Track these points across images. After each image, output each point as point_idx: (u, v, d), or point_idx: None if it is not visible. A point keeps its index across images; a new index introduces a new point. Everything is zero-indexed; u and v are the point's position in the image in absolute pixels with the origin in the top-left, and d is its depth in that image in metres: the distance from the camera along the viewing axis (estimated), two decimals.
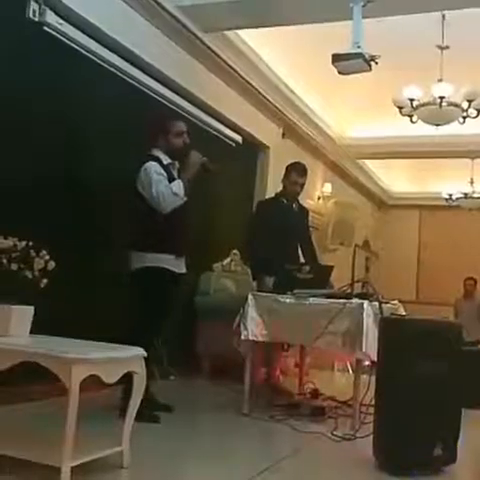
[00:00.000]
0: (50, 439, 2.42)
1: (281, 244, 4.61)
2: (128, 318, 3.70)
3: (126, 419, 2.62)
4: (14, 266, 2.57)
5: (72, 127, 4.19)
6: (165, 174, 3.61)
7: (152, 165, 3.60)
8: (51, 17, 3.78)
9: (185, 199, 3.63)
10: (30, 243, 2.65)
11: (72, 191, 4.17)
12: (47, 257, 2.68)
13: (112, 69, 4.47)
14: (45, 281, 2.65)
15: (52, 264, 2.68)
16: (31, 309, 2.62)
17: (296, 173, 4.80)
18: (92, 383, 2.36)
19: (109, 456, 2.54)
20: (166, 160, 3.71)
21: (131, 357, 2.58)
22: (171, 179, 3.63)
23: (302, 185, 4.85)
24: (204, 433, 3.56)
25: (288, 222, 4.76)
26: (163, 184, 3.55)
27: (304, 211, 5.12)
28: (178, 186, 3.58)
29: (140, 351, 2.61)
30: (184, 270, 3.84)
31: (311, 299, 3.91)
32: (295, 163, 4.90)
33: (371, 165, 10.51)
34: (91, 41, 4.17)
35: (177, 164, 3.77)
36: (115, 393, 3.26)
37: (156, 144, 3.74)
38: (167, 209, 3.57)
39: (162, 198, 3.54)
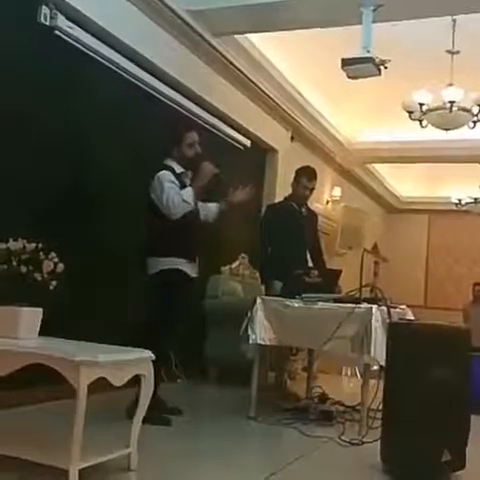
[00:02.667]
0: (58, 441, 2.43)
1: (290, 248, 4.60)
2: (143, 321, 3.71)
3: (134, 421, 2.62)
4: (23, 268, 2.59)
5: (84, 130, 4.21)
6: (177, 182, 3.73)
7: (165, 174, 3.72)
8: (62, 21, 3.81)
9: (194, 207, 3.75)
10: (39, 245, 2.66)
11: (82, 194, 4.18)
12: (56, 259, 2.69)
13: (123, 73, 4.49)
14: (54, 283, 2.66)
15: (61, 266, 2.69)
16: (40, 311, 2.63)
17: (306, 178, 4.79)
18: (100, 385, 2.37)
19: (117, 458, 2.54)
20: (179, 169, 3.82)
21: (139, 360, 2.59)
22: (183, 187, 3.74)
23: (312, 189, 4.85)
24: (211, 436, 3.55)
25: (297, 226, 4.75)
26: (174, 191, 3.67)
27: (313, 215, 5.11)
28: (188, 194, 3.70)
29: (148, 354, 2.61)
30: (196, 274, 3.94)
31: (320, 303, 3.91)
32: (305, 167, 4.90)
33: (380, 169, 10.49)
34: (102, 45, 4.20)
35: (190, 173, 3.86)
36: (123, 395, 3.26)
37: (170, 154, 3.85)
38: (177, 215, 3.69)
39: (172, 204, 3.65)
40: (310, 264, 4.85)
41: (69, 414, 2.30)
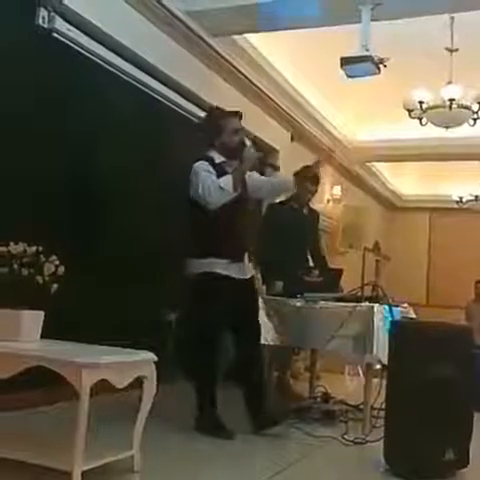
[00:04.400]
0: (61, 443, 2.43)
1: (291, 249, 4.60)
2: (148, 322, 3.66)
3: (137, 423, 2.62)
4: (24, 271, 2.59)
5: (85, 131, 4.21)
6: (214, 171, 3.48)
7: (200, 164, 3.50)
8: (60, 24, 3.81)
9: (235, 194, 3.45)
10: (40, 248, 2.66)
11: (84, 195, 4.18)
12: (57, 262, 2.69)
13: (122, 75, 4.50)
14: (55, 286, 2.66)
15: (62, 269, 2.69)
16: (41, 314, 2.63)
17: (310, 182, 4.75)
18: (103, 387, 2.37)
19: (120, 460, 2.54)
20: (219, 159, 3.58)
21: (141, 361, 2.59)
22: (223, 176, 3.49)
23: (314, 192, 4.83)
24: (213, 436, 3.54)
25: (298, 227, 4.75)
26: (210, 179, 3.43)
27: (314, 214, 5.11)
28: (226, 181, 3.43)
29: (150, 355, 2.61)
30: (247, 275, 3.63)
31: (321, 302, 3.91)
32: (309, 171, 4.81)
33: (381, 168, 10.48)
34: (100, 47, 4.20)
35: (235, 163, 3.56)
36: (126, 397, 3.26)
37: (211, 144, 3.62)
38: (215, 204, 3.42)
39: (207, 193, 3.39)
40: (311, 264, 4.85)
41: (72, 416, 2.29)
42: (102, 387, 2.36)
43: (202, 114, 5.38)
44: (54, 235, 3.40)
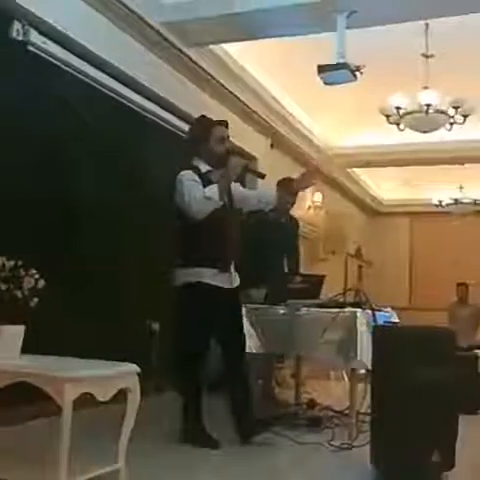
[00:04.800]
0: (45, 459, 2.39)
1: (267, 258, 4.58)
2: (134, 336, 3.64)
3: (121, 436, 2.59)
4: (3, 286, 2.56)
5: (60, 145, 4.19)
6: (200, 181, 3.47)
7: (185, 173, 3.48)
8: (35, 36, 3.79)
9: (221, 203, 3.46)
10: (19, 262, 2.64)
11: (64, 207, 4.16)
12: (37, 276, 2.67)
13: (98, 86, 4.49)
14: (36, 300, 2.64)
15: (42, 282, 2.67)
16: (22, 328, 2.60)
17: (288, 194, 4.70)
18: (87, 400, 2.35)
19: (106, 474, 2.51)
20: (205, 168, 3.56)
21: (124, 373, 2.56)
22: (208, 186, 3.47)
23: (293, 203, 4.79)
24: (201, 447, 3.52)
25: (275, 236, 4.72)
26: (195, 189, 3.41)
27: (293, 222, 5.10)
28: (212, 190, 3.42)
29: (133, 367, 2.59)
30: (234, 285, 3.62)
31: (304, 309, 3.91)
32: (287, 182, 4.65)
33: (361, 174, 10.55)
34: (75, 58, 4.19)
35: (220, 172, 3.53)
36: (111, 410, 3.23)
37: (197, 153, 3.61)
38: (199, 214, 3.41)
39: (194, 202, 3.38)
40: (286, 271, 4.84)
41: (55, 431, 2.27)
42: (85, 400, 2.34)
43: (181, 124, 5.42)
44: (34, 249, 3.37)
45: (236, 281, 3.66)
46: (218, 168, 3.55)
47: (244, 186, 3.99)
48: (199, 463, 3.16)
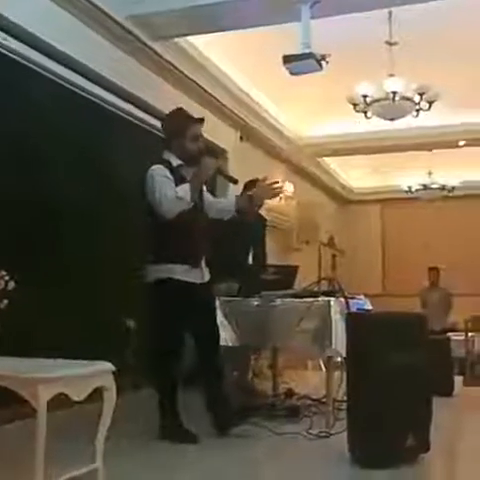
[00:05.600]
0: (21, 462, 2.38)
1: (233, 252, 4.54)
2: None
3: (98, 435, 2.57)
4: None
5: (25, 144, 4.12)
6: (172, 177, 3.42)
7: (157, 168, 3.42)
8: None
9: (191, 204, 3.42)
10: None
11: (33, 207, 4.09)
12: (7, 277, 2.63)
13: (62, 82, 4.43)
14: (6, 301, 2.60)
15: (12, 284, 2.63)
16: None
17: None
18: (62, 400, 2.32)
19: (84, 474, 2.49)
20: (176, 162, 3.51)
21: (99, 372, 2.54)
22: (181, 181, 3.42)
23: (260, 206, 4.54)
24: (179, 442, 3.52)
25: (240, 230, 4.66)
26: (167, 187, 3.36)
27: (261, 220, 5.05)
28: (184, 190, 3.37)
29: (108, 366, 2.57)
30: (205, 279, 3.62)
31: (278, 300, 3.92)
32: (254, 183, 4.63)
33: (331, 163, 10.60)
34: (38, 54, 4.12)
35: (190, 170, 3.51)
36: (87, 409, 3.21)
37: (169, 146, 3.55)
38: (169, 213, 3.36)
39: (165, 200, 3.34)
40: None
41: (31, 433, 2.24)
42: (60, 401, 2.32)
43: (147, 118, 5.38)
44: (3, 250, 3.32)
45: (207, 276, 3.65)
46: (190, 166, 3.51)
47: (214, 190, 3.91)
48: (177, 459, 3.16)
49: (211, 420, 3.55)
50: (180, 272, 3.47)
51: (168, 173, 3.43)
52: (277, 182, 3.78)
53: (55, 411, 2.29)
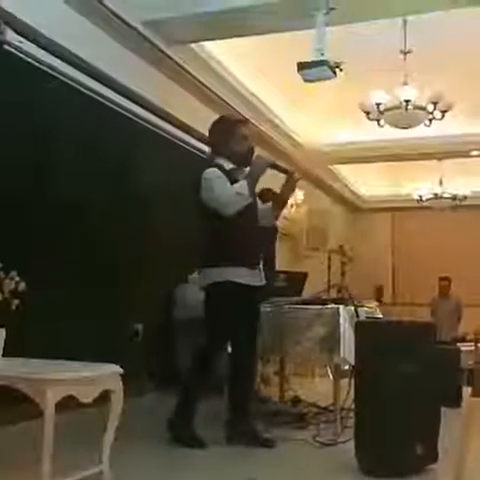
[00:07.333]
0: (27, 463, 2.38)
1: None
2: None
3: (105, 437, 2.58)
4: None
5: (40, 144, 4.15)
6: (226, 178, 3.46)
7: (211, 171, 3.46)
8: (11, 36, 3.75)
9: (250, 199, 3.43)
10: None
11: (44, 208, 4.11)
12: (17, 278, 2.64)
13: (77, 86, 4.45)
14: (16, 302, 2.61)
15: (23, 285, 2.65)
16: (2, 331, 2.57)
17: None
18: (68, 402, 2.33)
19: (91, 476, 2.50)
20: (229, 166, 3.54)
21: (107, 375, 2.55)
22: (235, 183, 3.44)
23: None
24: (185, 446, 3.52)
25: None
26: (224, 183, 3.40)
27: (272, 228, 5.02)
28: (241, 186, 3.40)
29: (116, 369, 2.58)
30: (262, 282, 3.60)
31: (287, 307, 3.92)
32: (269, 195, 4.37)
33: (342, 170, 10.59)
34: (54, 59, 4.15)
35: (244, 170, 3.53)
36: (94, 412, 3.22)
37: (219, 152, 3.59)
38: (232, 209, 3.37)
39: (225, 196, 3.36)
40: None
41: (38, 434, 2.25)
42: (67, 402, 2.32)
43: (163, 124, 5.41)
44: (14, 250, 3.34)
45: (264, 278, 3.64)
46: (242, 166, 3.55)
47: None
48: (184, 464, 3.15)
49: (229, 425, 3.53)
50: (241, 275, 3.45)
51: (222, 174, 3.46)
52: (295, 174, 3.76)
53: (61, 412, 2.29)
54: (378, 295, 10.33)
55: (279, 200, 3.82)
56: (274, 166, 3.61)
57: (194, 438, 3.41)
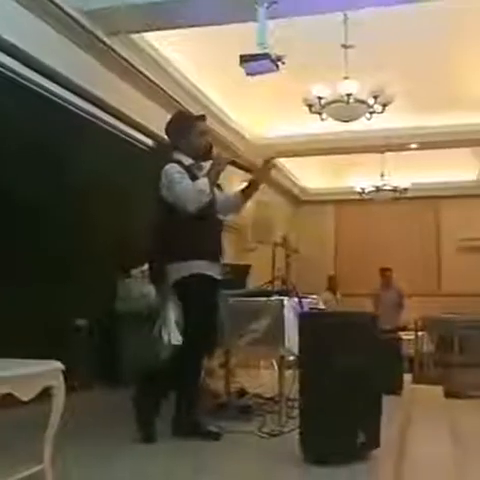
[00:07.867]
0: None
1: None
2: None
3: (46, 435, 2.51)
4: None
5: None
6: (186, 174, 3.46)
7: (171, 167, 3.46)
8: None
9: (211, 196, 3.44)
10: None
11: None
12: None
13: (13, 75, 4.34)
14: None
15: None
16: None
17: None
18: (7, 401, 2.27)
19: (31, 475, 2.44)
20: (188, 161, 3.55)
21: (48, 372, 2.49)
22: (194, 180, 3.45)
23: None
24: (131, 443, 3.48)
25: None
26: (186, 182, 3.40)
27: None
28: (203, 183, 3.41)
29: (57, 365, 2.52)
30: (221, 276, 3.64)
31: (232, 299, 3.92)
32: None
33: (286, 163, 10.66)
34: None
35: (203, 165, 3.58)
36: (34, 410, 3.15)
37: (177, 147, 3.59)
38: (192, 207, 3.37)
39: (186, 193, 3.36)
40: None
41: None
42: (7, 401, 2.26)
43: (102, 114, 5.33)
44: None
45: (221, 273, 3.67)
46: (200, 161, 3.58)
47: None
48: (126, 459, 3.12)
49: (177, 418, 3.52)
50: (206, 268, 3.48)
51: (182, 170, 3.46)
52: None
53: (2, 411, 2.23)
54: (331, 284, 10.41)
55: (253, 185, 3.85)
56: (234, 163, 3.66)
57: (207, 432, 3.44)
